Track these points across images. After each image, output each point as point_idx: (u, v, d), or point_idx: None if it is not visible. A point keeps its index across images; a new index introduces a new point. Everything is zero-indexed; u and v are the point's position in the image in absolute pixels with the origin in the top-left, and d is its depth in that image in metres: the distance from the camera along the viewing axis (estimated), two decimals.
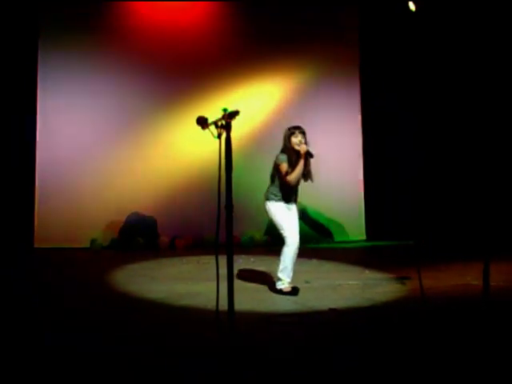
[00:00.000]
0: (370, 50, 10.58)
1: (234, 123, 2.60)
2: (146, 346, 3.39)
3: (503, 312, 4.11)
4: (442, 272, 6.21)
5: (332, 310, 4.30)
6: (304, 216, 10.14)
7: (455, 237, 8.67)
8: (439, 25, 9.46)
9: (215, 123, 2.50)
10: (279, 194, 5.00)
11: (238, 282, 5.12)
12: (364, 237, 10.58)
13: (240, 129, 8.78)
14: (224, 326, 2.72)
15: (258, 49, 10.16)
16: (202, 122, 2.58)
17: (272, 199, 5.01)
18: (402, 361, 3.10)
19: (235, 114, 2.50)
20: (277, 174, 5.01)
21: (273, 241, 8.77)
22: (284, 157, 4.94)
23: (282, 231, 4.98)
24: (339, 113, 10.63)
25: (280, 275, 4.99)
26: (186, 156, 9.78)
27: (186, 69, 9.90)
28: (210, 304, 4.37)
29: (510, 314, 4.11)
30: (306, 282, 5.56)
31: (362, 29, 10.66)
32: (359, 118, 10.73)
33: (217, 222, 2.49)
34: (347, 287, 5.44)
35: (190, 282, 5.73)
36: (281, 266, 4.97)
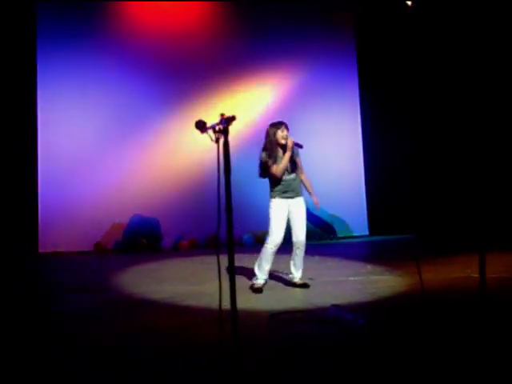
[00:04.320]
0: (366, 46, 10.63)
1: (233, 125, 2.65)
2: (151, 346, 3.44)
3: (502, 303, 4.14)
4: (443, 265, 6.24)
5: (334, 306, 4.34)
6: (307, 213, 10.19)
7: (456, 230, 8.69)
8: (436, 25, 9.47)
9: (213, 128, 2.55)
10: (276, 190, 5.08)
11: (241, 281, 5.18)
12: (367, 232, 10.64)
13: (240, 128, 8.77)
14: (226, 325, 2.77)
15: (255, 50, 10.24)
16: (201, 126, 2.63)
17: (271, 196, 5.12)
18: (403, 355, 3.15)
19: (232, 119, 2.56)
20: (265, 171, 5.09)
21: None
22: (265, 153, 5.06)
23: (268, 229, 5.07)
24: (338, 111, 10.68)
25: (255, 270, 5.11)
26: (188, 158, 9.84)
27: (185, 71, 9.97)
28: (214, 304, 4.43)
29: (508, 305, 4.14)
30: (310, 279, 5.60)
31: (359, 27, 10.74)
32: (358, 115, 10.79)
33: (217, 224, 2.55)
34: (350, 283, 5.48)
35: (194, 283, 5.78)
36: (257, 262, 5.10)
